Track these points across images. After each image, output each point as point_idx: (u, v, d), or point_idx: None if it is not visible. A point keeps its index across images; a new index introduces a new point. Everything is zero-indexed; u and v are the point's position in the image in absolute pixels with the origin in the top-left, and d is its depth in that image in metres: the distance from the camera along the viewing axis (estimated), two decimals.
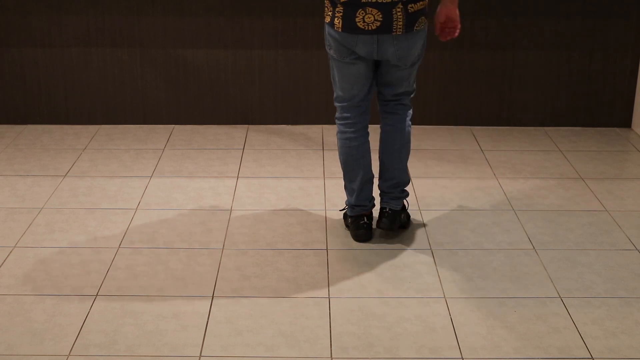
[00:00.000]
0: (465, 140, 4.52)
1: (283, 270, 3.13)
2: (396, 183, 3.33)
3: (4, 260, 3.19)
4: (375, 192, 3.44)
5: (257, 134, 4.60)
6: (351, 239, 3.36)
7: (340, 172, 3.59)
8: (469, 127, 4.72)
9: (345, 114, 3.28)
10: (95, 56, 4.61)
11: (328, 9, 3.14)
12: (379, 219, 3.33)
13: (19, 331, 2.72)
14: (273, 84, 4.67)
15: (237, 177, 4.02)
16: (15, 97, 4.68)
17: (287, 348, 2.65)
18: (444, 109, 4.72)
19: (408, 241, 3.36)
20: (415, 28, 3.09)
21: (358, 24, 3.06)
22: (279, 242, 3.35)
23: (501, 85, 4.68)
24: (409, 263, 3.19)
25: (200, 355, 2.61)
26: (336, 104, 3.31)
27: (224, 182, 3.96)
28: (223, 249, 3.30)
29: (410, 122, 3.33)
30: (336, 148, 3.64)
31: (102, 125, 4.71)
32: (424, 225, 3.50)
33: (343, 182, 3.41)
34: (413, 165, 3.77)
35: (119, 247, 3.30)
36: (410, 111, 3.34)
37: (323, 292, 2.97)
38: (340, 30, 3.10)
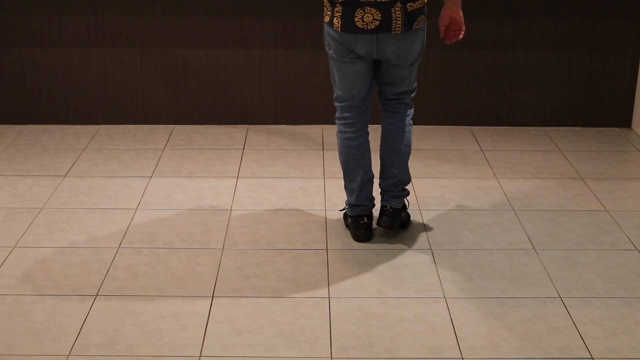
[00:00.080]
0: (465, 140, 4.52)
1: (283, 270, 3.13)
2: (397, 182, 3.33)
3: (4, 260, 3.19)
4: (376, 192, 3.44)
5: (257, 134, 4.60)
6: (351, 239, 3.36)
7: (340, 172, 3.59)
8: (469, 127, 4.72)
9: (345, 114, 3.28)
10: (95, 56, 4.61)
11: (327, 8, 3.14)
12: (379, 217, 3.33)
13: (19, 331, 2.72)
14: (273, 84, 4.67)
15: (237, 177, 4.02)
16: (15, 97, 4.68)
17: (287, 348, 2.65)
18: (444, 109, 4.72)
19: (408, 241, 3.36)
20: (414, 27, 3.09)
21: (357, 23, 3.06)
22: (279, 242, 3.35)
23: (501, 85, 4.68)
24: (409, 263, 3.19)
25: (200, 355, 2.61)
26: (336, 104, 3.32)
27: (224, 182, 3.96)
28: (223, 249, 3.30)
29: (411, 121, 3.33)
30: (336, 148, 3.64)
31: (102, 125, 4.71)
32: (424, 225, 3.50)
33: (343, 182, 3.41)
34: (413, 165, 3.77)
35: (119, 247, 3.30)
36: (412, 110, 3.34)
37: (323, 292, 2.97)
38: (339, 29, 3.10)
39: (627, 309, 2.88)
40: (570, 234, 3.44)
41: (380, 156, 3.35)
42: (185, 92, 4.68)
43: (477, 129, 4.69)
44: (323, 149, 4.37)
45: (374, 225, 3.39)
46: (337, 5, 3.08)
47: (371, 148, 3.34)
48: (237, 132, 4.63)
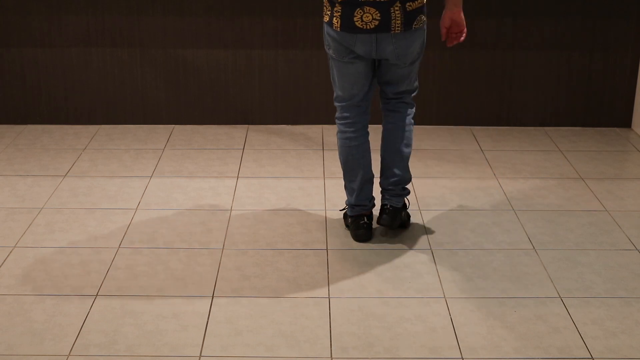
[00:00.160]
0: (465, 140, 4.52)
1: (283, 270, 3.13)
2: (397, 181, 3.33)
3: (4, 260, 3.19)
4: (376, 191, 3.44)
5: (257, 134, 4.60)
6: (351, 239, 3.36)
7: (340, 172, 3.59)
8: (469, 127, 4.72)
9: (345, 114, 3.28)
10: (95, 56, 4.61)
11: (327, 8, 3.14)
12: (379, 216, 3.33)
13: (19, 331, 2.72)
14: (273, 84, 4.67)
15: (237, 177, 4.02)
16: (15, 97, 4.68)
17: (287, 348, 2.65)
18: (444, 109, 4.72)
19: (408, 241, 3.36)
20: (413, 26, 3.09)
21: (356, 23, 3.06)
22: (279, 242, 3.35)
23: (501, 85, 4.68)
24: (409, 263, 3.19)
25: (200, 355, 2.61)
26: (336, 104, 3.32)
27: (224, 182, 3.96)
28: (223, 249, 3.30)
29: (412, 121, 3.34)
30: (336, 148, 3.64)
31: (102, 125, 4.71)
32: (424, 225, 3.50)
33: (343, 182, 3.41)
34: (413, 165, 3.77)
35: (119, 247, 3.30)
36: (413, 109, 3.34)
37: (323, 292, 2.97)
38: (338, 29, 3.10)
39: (627, 309, 2.88)
40: (570, 234, 3.44)
41: (380, 155, 3.35)
42: (185, 92, 4.68)
43: (477, 129, 4.69)
44: (323, 149, 4.37)
45: (374, 225, 3.39)
46: (337, 5, 3.08)
47: (372, 147, 3.34)
48: (237, 132, 4.63)
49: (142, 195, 3.80)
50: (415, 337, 2.71)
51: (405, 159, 3.34)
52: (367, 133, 3.32)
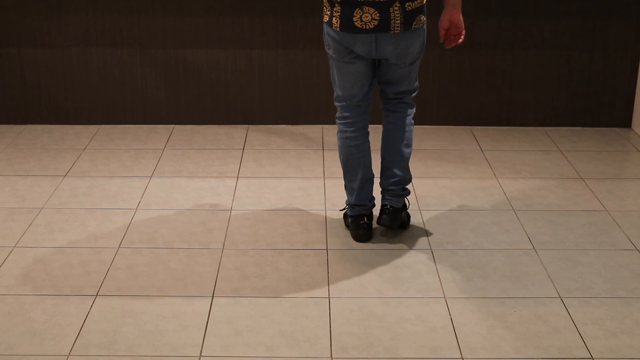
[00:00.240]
0: (465, 140, 4.52)
1: (283, 270, 3.13)
2: (397, 181, 3.33)
3: (4, 260, 3.19)
4: (376, 191, 3.44)
5: (257, 134, 4.60)
6: (351, 239, 3.36)
7: (340, 172, 3.59)
8: (469, 127, 4.72)
9: (345, 114, 3.28)
10: (95, 56, 4.61)
11: (326, 8, 3.14)
12: (379, 216, 3.33)
13: (19, 331, 2.72)
14: (273, 84, 4.67)
15: (237, 177, 4.02)
16: (15, 97, 4.69)
17: (287, 348, 2.65)
18: (444, 109, 4.72)
19: (408, 241, 3.36)
20: (413, 26, 3.09)
21: (356, 23, 3.06)
22: (279, 242, 3.35)
23: (501, 85, 4.68)
24: (409, 263, 3.19)
25: (200, 355, 2.61)
26: (336, 104, 3.32)
27: (224, 182, 3.96)
28: (223, 249, 3.30)
29: (412, 121, 3.34)
30: (336, 148, 3.64)
31: (102, 125, 4.71)
32: (424, 225, 3.50)
33: (343, 182, 3.41)
34: (413, 165, 3.77)
35: (119, 247, 3.30)
36: (413, 110, 3.34)
37: (323, 292, 2.97)
38: (338, 29, 3.10)
39: (627, 309, 2.88)
40: (570, 234, 3.44)
41: (381, 155, 3.35)
42: (185, 92, 4.68)
43: (477, 129, 4.69)
44: (323, 149, 4.37)
45: (374, 225, 3.39)
46: (336, 5, 3.08)
47: (372, 147, 3.34)
48: (237, 132, 4.63)
49: (142, 195, 3.80)
50: (415, 337, 2.71)
51: (406, 159, 3.34)
52: (367, 133, 3.32)
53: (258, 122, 4.73)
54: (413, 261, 3.20)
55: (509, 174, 4.06)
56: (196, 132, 4.62)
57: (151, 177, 4.01)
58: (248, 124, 4.73)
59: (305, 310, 2.85)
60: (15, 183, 3.93)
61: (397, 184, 3.33)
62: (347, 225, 3.45)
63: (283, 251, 3.28)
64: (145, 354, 2.61)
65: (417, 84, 3.33)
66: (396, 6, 3.03)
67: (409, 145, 3.33)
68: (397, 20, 3.05)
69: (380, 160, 3.36)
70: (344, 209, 3.50)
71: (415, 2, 3.06)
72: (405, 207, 3.42)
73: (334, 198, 3.75)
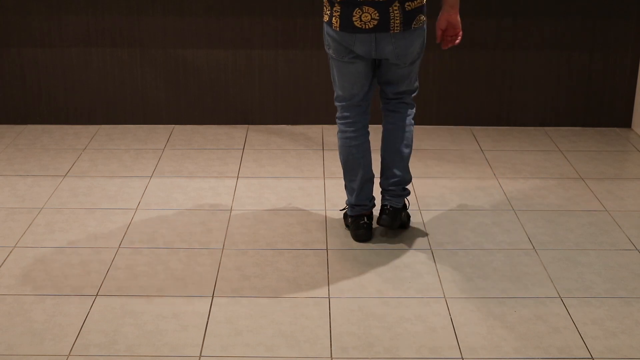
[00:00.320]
0: (465, 140, 4.52)
1: (283, 270, 3.13)
2: (397, 181, 3.33)
3: (4, 260, 3.19)
4: (376, 192, 3.44)
5: (257, 134, 4.60)
6: (351, 239, 3.36)
7: (340, 172, 3.59)
8: (469, 127, 4.72)
9: (345, 114, 3.29)
10: (95, 56, 4.61)
11: (326, 8, 3.14)
12: (379, 216, 3.33)
13: (19, 331, 2.72)
14: (273, 84, 4.67)
15: (237, 177, 4.02)
16: (15, 97, 4.69)
17: (287, 348, 2.65)
18: (444, 109, 4.72)
19: (408, 241, 3.36)
20: (413, 26, 3.08)
21: (355, 22, 3.06)
22: (279, 242, 3.35)
23: (501, 85, 4.68)
24: (409, 263, 3.19)
25: (200, 355, 2.61)
26: (336, 104, 3.32)
27: (224, 182, 3.96)
28: (223, 249, 3.30)
29: (412, 121, 3.34)
30: (336, 148, 3.64)
31: (102, 125, 4.71)
32: (424, 225, 3.50)
33: (343, 182, 3.41)
34: (413, 165, 3.77)
35: (119, 247, 3.30)
36: (413, 110, 3.34)
37: (323, 292, 2.97)
38: (338, 29, 3.10)
39: (627, 309, 2.88)
40: (570, 234, 3.44)
41: (381, 155, 3.35)
42: (185, 92, 4.68)
43: (477, 129, 4.69)
44: (323, 149, 4.37)
45: (374, 225, 3.39)
46: (336, 4, 3.08)
47: (372, 147, 3.34)
48: (237, 132, 4.63)
49: (142, 195, 3.80)
50: (415, 337, 2.71)
51: (405, 159, 3.34)
52: (368, 133, 3.32)
53: (258, 122, 4.73)
54: (413, 261, 3.20)
55: (509, 174, 4.06)
56: (196, 132, 4.62)
57: (151, 177, 4.01)
58: (248, 124, 4.73)
59: (305, 310, 2.85)
60: (15, 183, 3.93)
61: (397, 184, 3.34)
62: (347, 225, 3.45)
63: (283, 251, 3.28)
64: (145, 354, 2.61)
65: (417, 84, 3.33)
66: (395, 6, 3.03)
67: (409, 146, 3.33)
68: (396, 20, 3.05)
69: (380, 160, 3.37)
70: (344, 209, 3.50)
71: (415, 1, 3.06)
72: (405, 207, 3.42)
73: (334, 198, 3.76)
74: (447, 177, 4.02)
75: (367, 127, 3.32)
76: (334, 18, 3.10)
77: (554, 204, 3.73)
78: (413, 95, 3.33)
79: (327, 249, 3.29)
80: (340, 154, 3.34)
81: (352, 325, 2.77)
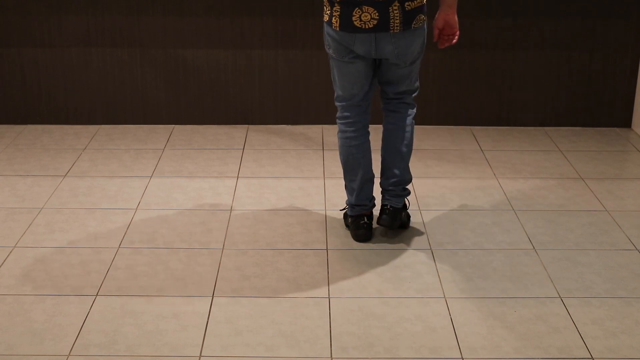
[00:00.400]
0: (465, 140, 4.52)
1: (283, 270, 3.13)
2: (398, 181, 3.33)
3: (4, 260, 3.19)
4: (376, 192, 3.44)
5: (257, 134, 4.60)
6: (351, 239, 3.36)
7: (340, 172, 3.59)
8: (469, 127, 4.72)
9: (346, 113, 3.29)
10: (95, 56, 4.61)
11: (326, 8, 3.14)
12: (379, 216, 3.33)
13: (19, 331, 2.72)
14: (273, 84, 4.67)
15: (237, 177, 4.02)
16: (15, 97, 4.69)
17: (287, 348, 2.65)
18: (444, 109, 4.72)
19: (408, 241, 3.36)
20: (413, 26, 3.08)
21: (355, 22, 3.06)
22: (279, 242, 3.35)
23: (501, 85, 4.68)
24: (409, 263, 3.19)
25: (200, 355, 2.61)
26: (337, 104, 3.32)
27: (224, 182, 3.96)
28: (223, 249, 3.30)
29: (413, 121, 3.34)
30: (336, 148, 3.64)
31: (102, 125, 4.71)
32: (424, 225, 3.50)
33: (343, 182, 3.41)
34: (413, 165, 3.77)
35: (119, 247, 3.30)
36: (413, 110, 3.34)
37: (323, 292, 2.97)
38: (337, 29, 3.10)
39: (627, 309, 2.88)
40: (570, 234, 3.44)
41: (381, 155, 3.36)
42: (185, 92, 4.68)
43: (477, 129, 4.69)
44: (323, 149, 4.37)
45: (374, 225, 3.39)
46: (336, 4, 3.08)
47: (372, 147, 3.34)
48: (237, 132, 4.63)
49: (142, 195, 3.80)
50: (415, 337, 2.71)
51: (406, 159, 3.34)
52: (368, 132, 3.32)
53: (258, 122, 4.73)
54: (413, 261, 3.20)
55: (509, 174, 4.06)
56: (196, 132, 4.62)
57: (151, 177, 4.01)
58: (248, 124, 4.73)
59: (305, 310, 2.85)
60: (15, 183, 3.93)
61: (397, 184, 3.34)
62: (347, 225, 3.45)
63: (283, 251, 3.28)
64: (145, 354, 2.61)
65: (417, 84, 3.33)
66: (395, 5, 3.03)
67: (409, 146, 3.33)
68: (396, 19, 3.05)
69: (380, 160, 3.37)
70: (344, 209, 3.50)
71: (415, 1, 3.06)
72: (405, 207, 3.42)
73: (334, 198, 3.76)
74: (447, 177, 4.02)
75: (368, 127, 3.32)
76: (333, 18, 3.10)
77: (554, 204, 3.73)
78: (414, 95, 3.33)
79: (327, 249, 3.29)
80: (341, 153, 3.34)
81: (352, 325, 2.77)
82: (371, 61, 3.20)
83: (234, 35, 4.57)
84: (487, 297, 2.95)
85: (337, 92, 3.29)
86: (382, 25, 3.05)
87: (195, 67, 4.63)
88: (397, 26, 3.06)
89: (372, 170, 3.35)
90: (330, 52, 3.21)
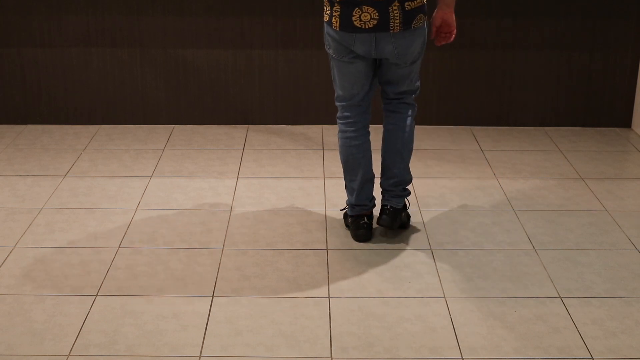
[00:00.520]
0: (465, 140, 4.52)
1: (283, 270, 3.13)
2: (398, 181, 3.33)
3: (4, 260, 3.19)
4: (376, 192, 3.44)
5: (257, 134, 4.60)
6: (351, 239, 3.36)
7: (340, 172, 3.59)
8: (469, 127, 4.72)
9: (346, 113, 3.29)
10: (95, 56, 4.61)
11: (326, 8, 3.14)
12: (379, 216, 3.33)
13: (19, 331, 2.72)
14: (273, 84, 4.67)
15: (237, 177, 4.02)
16: (15, 97, 4.69)
17: (287, 348, 2.65)
18: (444, 109, 4.72)
19: (408, 241, 3.36)
20: (413, 25, 3.08)
21: (355, 22, 3.06)
22: (279, 242, 3.35)
23: (501, 85, 4.68)
24: (409, 263, 3.19)
25: (200, 355, 2.61)
26: (337, 104, 3.32)
27: (224, 182, 3.96)
28: (223, 249, 3.30)
29: (413, 122, 3.34)
30: (336, 148, 3.64)
31: (102, 125, 4.71)
32: (424, 225, 3.50)
33: (343, 182, 3.41)
34: (413, 165, 3.77)
35: (119, 247, 3.30)
36: (414, 110, 3.34)
37: (323, 292, 2.97)
38: (337, 29, 3.10)
39: (627, 309, 2.88)
40: (570, 234, 3.44)
41: (381, 156, 3.36)
42: (185, 92, 4.68)
43: (477, 129, 4.69)
44: (323, 149, 4.37)
45: (374, 225, 3.39)
46: (336, 4, 3.08)
47: (372, 147, 3.34)
48: (237, 132, 4.63)
49: (142, 195, 3.80)
50: (415, 337, 2.71)
51: (406, 160, 3.34)
52: (368, 132, 3.32)
53: (258, 122, 4.73)
54: (413, 261, 3.20)
55: (509, 174, 4.06)
56: (196, 132, 4.62)
57: (151, 177, 4.01)
58: (248, 124, 4.73)
59: (305, 310, 2.85)
60: (15, 183, 3.93)
61: (397, 184, 3.34)
62: (347, 225, 3.45)
63: (283, 251, 3.28)
64: (145, 354, 2.61)
65: (418, 84, 3.33)
66: (395, 5, 3.03)
67: (409, 146, 3.33)
68: (396, 19, 3.05)
69: (380, 161, 3.37)
70: (344, 209, 3.50)
71: (415, 1, 3.06)
72: (405, 207, 3.42)
73: (334, 198, 3.76)
74: (447, 177, 4.02)
75: (368, 127, 3.32)
76: (333, 18, 3.10)
77: (554, 204, 3.73)
78: (414, 95, 3.33)
79: (327, 249, 3.29)
80: (341, 153, 3.34)
81: (352, 325, 2.77)
82: (371, 61, 3.20)
83: (234, 35, 4.57)
84: (487, 297, 2.95)
85: (338, 92, 3.29)
86: (382, 25, 3.05)
87: (195, 67, 4.63)
88: (397, 26, 3.06)
89: (372, 170, 3.35)
90: (330, 52, 3.21)
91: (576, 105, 4.71)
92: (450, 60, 4.62)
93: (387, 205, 3.33)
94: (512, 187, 3.91)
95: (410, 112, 3.32)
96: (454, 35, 3.19)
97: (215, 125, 4.72)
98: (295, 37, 4.57)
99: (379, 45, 3.09)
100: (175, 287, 3.01)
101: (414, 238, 3.38)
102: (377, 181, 3.43)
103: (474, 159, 4.25)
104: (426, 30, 3.18)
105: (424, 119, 4.62)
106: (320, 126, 4.70)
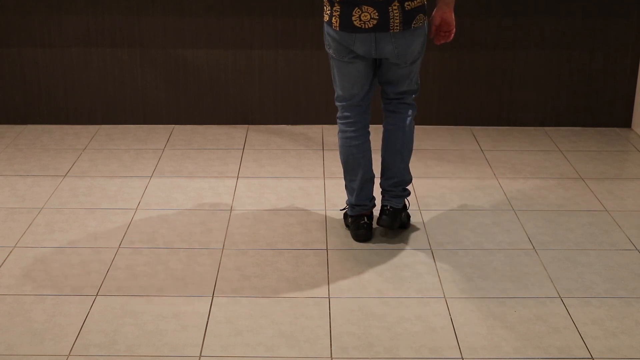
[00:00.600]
0: (465, 140, 4.52)
1: (283, 270, 3.13)
2: (398, 182, 3.33)
3: (4, 260, 3.19)
4: (376, 192, 3.44)
5: (257, 134, 4.60)
6: (351, 239, 3.36)
7: (340, 172, 3.59)
8: (469, 127, 4.72)
9: (346, 113, 3.29)
10: (95, 56, 4.61)
11: (326, 8, 3.14)
12: (379, 217, 3.33)
13: (19, 331, 2.72)
14: (273, 84, 4.67)
15: (237, 177, 4.02)
16: (15, 97, 4.69)
17: (287, 348, 2.65)
18: (444, 109, 4.72)
19: (408, 241, 3.36)
20: (413, 25, 3.08)
21: (354, 22, 3.06)
22: (279, 242, 3.35)
23: (501, 85, 4.68)
24: (409, 263, 3.19)
25: (200, 355, 2.61)
26: (337, 104, 3.32)
27: (224, 182, 3.96)
28: (223, 249, 3.30)
29: (413, 122, 3.34)
30: (336, 148, 3.64)
31: (102, 125, 4.71)
32: (424, 225, 3.50)
33: (343, 182, 3.41)
34: (413, 165, 3.77)
35: (119, 247, 3.30)
36: (414, 110, 3.34)
37: (323, 292, 2.97)
38: (337, 29, 3.10)
39: (627, 309, 2.88)
40: (570, 234, 3.44)
41: (381, 156, 3.36)
42: (185, 92, 4.68)
43: (477, 129, 4.69)
44: (323, 149, 4.37)
45: (374, 225, 3.39)
46: (336, 4, 3.08)
47: (373, 148, 3.34)
48: (237, 132, 4.63)
49: (142, 195, 3.80)
50: (415, 337, 2.71)
51: (406, 160, 3.34)
52: (368, 132, 3.32)
53: (258, 122, 4.73)
54: (413, 261, 3.20)
55: (509, 174, 4.06)
56: (196, 132, 4.62)
57: (151, 177, 4.01)
58: (248, 124, 4.73)
59: (305, 310, 2.85)
60: (15, 183, 3.93)
61: (397, 184, 3.34)
62: (347, 225, 3.45)
63: (283, 251, 3.28)
64: (145, 354, 2.61)
65: (418, 84, 3.33)
66: (395, 5, 3.03)
67: (409, 146, 3.33)
68: (396, 19, 3.05)
69: (380, 161, 3.37)
70: (344, 209, 3.50)
71: (415, 1, 3.06)
72: (405, 207, 3.42)
73: (334, 198, 3.76)
74: (447, 177, 4.02)
75: (368, 127, 3.32)
76: (333, 18, 3.10)
77: (554, 204, 3.73)
78: (414, 95, 3.33)
79: (327, 249, 3.29)
80: (341, 153, 3.34)
81: (352, 325, 2.77)
82: (371, 61, 3.20)
83: (234, 35, 4.57)
84: (487, 297, 2.95)
85: (338, 92, 3.29)
86: (382, 25, 3.05)
87: (195, 67, 4.63)
88: (397, 26, 3.06)
89: (372, 170, 3.35)
90: (330, 52, 3.21)
91: (576, 105, 4.71)
92: (450, 60, 4.62)
93: (387, 206, 3.33)
94: (512, 187, 3.91)
95: (410, 112, 3.32)
96: (453, 35, 3.20)
97: (215, 125, 4.72)
98: (295, 37, 4.57)
99: (379, 45, 3.09)
100: (175, 287, 3.01)
101: (414, 238, 3.38)
102: (377, 181, 3.43)
103: (474, 159, 4.25)
104: (426, 30, 3.18)
105: (424, 119, 4.62)
106: (320, 126, 4.70)
